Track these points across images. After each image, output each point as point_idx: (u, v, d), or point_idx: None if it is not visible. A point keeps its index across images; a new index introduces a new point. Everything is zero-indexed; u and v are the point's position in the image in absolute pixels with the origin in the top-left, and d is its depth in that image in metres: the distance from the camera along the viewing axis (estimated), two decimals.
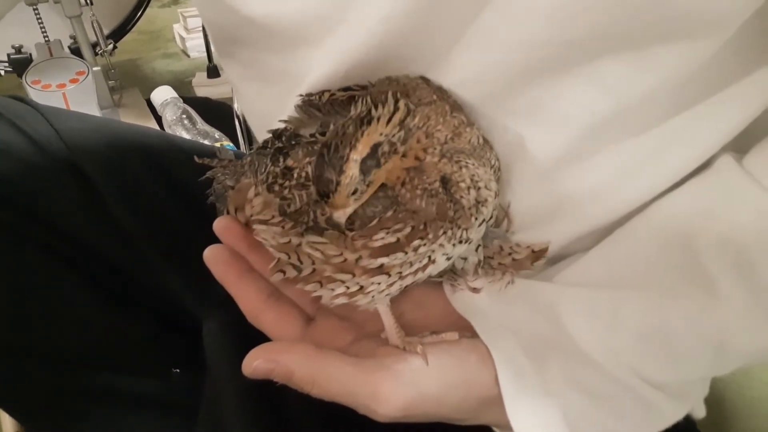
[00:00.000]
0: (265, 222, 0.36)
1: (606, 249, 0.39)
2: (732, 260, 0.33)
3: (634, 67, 0.32)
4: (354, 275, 0.32)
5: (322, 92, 0.37)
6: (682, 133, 0.36)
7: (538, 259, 0.39)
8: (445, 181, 0.31)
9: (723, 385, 0.81)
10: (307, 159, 0.33)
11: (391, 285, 0.33)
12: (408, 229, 0.31)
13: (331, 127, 0.31)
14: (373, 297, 0.34)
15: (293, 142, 0.35)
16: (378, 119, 0.29)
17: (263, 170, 0.37)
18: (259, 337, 0.37)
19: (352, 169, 0.28)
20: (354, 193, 0.29)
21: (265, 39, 0.39)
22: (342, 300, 0.34)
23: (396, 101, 0.30)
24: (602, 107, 0.34)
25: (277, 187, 0.35)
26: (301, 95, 0.37)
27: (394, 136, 0.30)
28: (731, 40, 0.31)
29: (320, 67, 0.37)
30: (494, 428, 0.37)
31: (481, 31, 0.32)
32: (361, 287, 0.33)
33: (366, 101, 0.30)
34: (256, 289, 0.38)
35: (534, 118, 0.35)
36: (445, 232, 0.32)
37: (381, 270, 0.32)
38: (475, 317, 0.38)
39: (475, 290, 0.39)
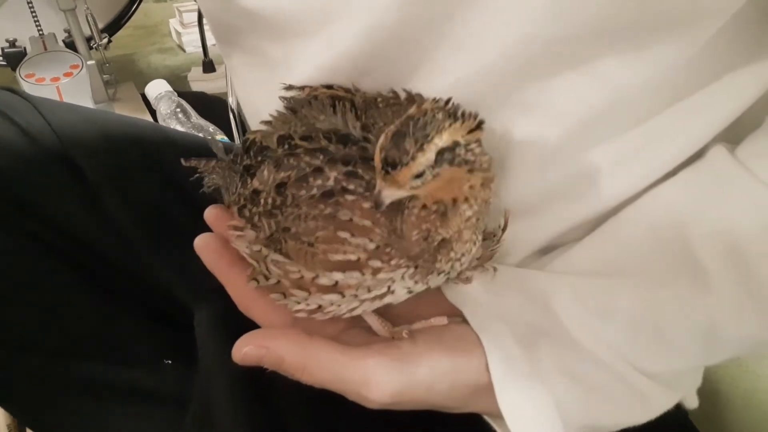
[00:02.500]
0: (240, 229, 0.35)
1: (598, 238, 0.39)
2: (724, 250, 0.33)
3: (628, 60, 0.32)
4: (310, 293, 0.32)
5: (303, 87, 0.37)
6: (676, 124, 0.36)
7: (501, 240, 0.38)
8: (444, 241, 0.31)
9: (716, 377, 0.81)
10: (272, 177, 0.32)
11: (351, 309, 0.33)
12: (372, 246, 0.30)
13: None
14: (333, 316, 0.34)
15: (260, 159, 0.34)
16: (463, 122, 0.28)
17: (234, 190, 0.36)
18: (250, 327, 0.37)
19: (432, 151, 0.27)
20: (419, 176, 0.28)
21: (262, 28, 0.39)
22: (302, 315, 0.34)
23: (478, 120, 0.29)
24: (597, 101, 0.34)
25: (247, 212, 0.34)
26: (283, 85, 0.37)
27: (472, 147, 0.28)
28: (725, 29, 0.31)
29: (316, 57, 0.37)
30: (485, 416, 0.37)
31: (474, 29, 0.32)
32: (320, 306, 0.33)
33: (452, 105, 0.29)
34: (247, 278, 0.38)
35: (529, 112, 0.35)
36: (407, 267, 0.31)
37: (335, 289, 0.31)
38: (467, 306, 0.38)
39: (467, 280, 0.39)
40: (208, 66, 1.59)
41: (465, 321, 0.37)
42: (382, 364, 0.33)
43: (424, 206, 0.30)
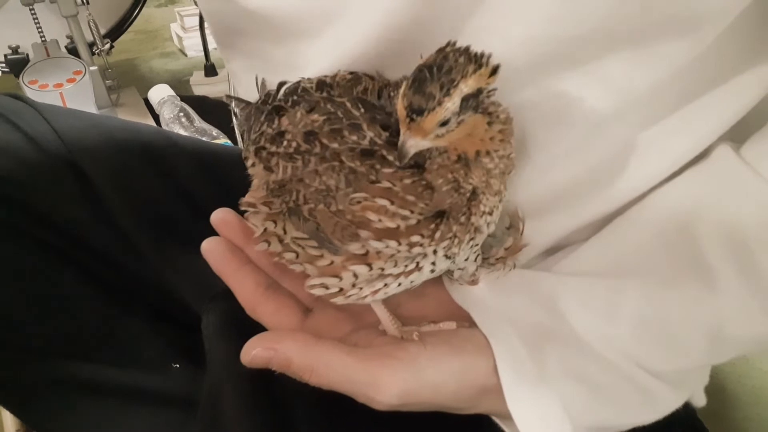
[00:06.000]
0: (253, 205, 0.34)
1: (604, 239, 0.39)
2: (730, 249, 0.33)
3: (635, 64, 0.32)
4: (340, 278, 0.31)
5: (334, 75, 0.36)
6: (682, 125, 0.36)
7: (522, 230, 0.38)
8: (474, 193, 0.30)
9: (723, 375, 0.81)
10: (304, 120, 0.30)
11: (374, 289, 0.32)
12: (413, 221, 0.29)
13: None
14: (355, 299, 0.33)
15: (295, 98, 0.32)
16: (484, 66, 0.26)
17: (256, 129, 0.34)
18: (257, 329, 0.37)
19: (458, 96, 0.26)
20: (444, 124, 0.27)
21: (265, 30, 0.39)
22: (318, 292, 0.33)
23: (496, 64, 0.27)
24: (605, 104, 0.34)
25: (264, 153, 0.32)
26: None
27: (490, 94, 0.28)
28: (730, 30, 0.31)
29: (319, 59, 0.37)
30: (493, 417, 0.37)
31: (482, 28, 0.32)
32: (341, 290, 0.32)
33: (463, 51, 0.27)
34: (254, 281, 0.38)
35: (536, 114, 0.35)
36: (449, 239, 0.30)
37: (365, 259, 0.30)
38: (474, 307, 0.38)
39: (473, 282, 0.39)
40: (210, 70, 1.59)
41: (472, 325, 0.37)
42: (389, 366, 0.33)
43: (448, 157, 0.29)
